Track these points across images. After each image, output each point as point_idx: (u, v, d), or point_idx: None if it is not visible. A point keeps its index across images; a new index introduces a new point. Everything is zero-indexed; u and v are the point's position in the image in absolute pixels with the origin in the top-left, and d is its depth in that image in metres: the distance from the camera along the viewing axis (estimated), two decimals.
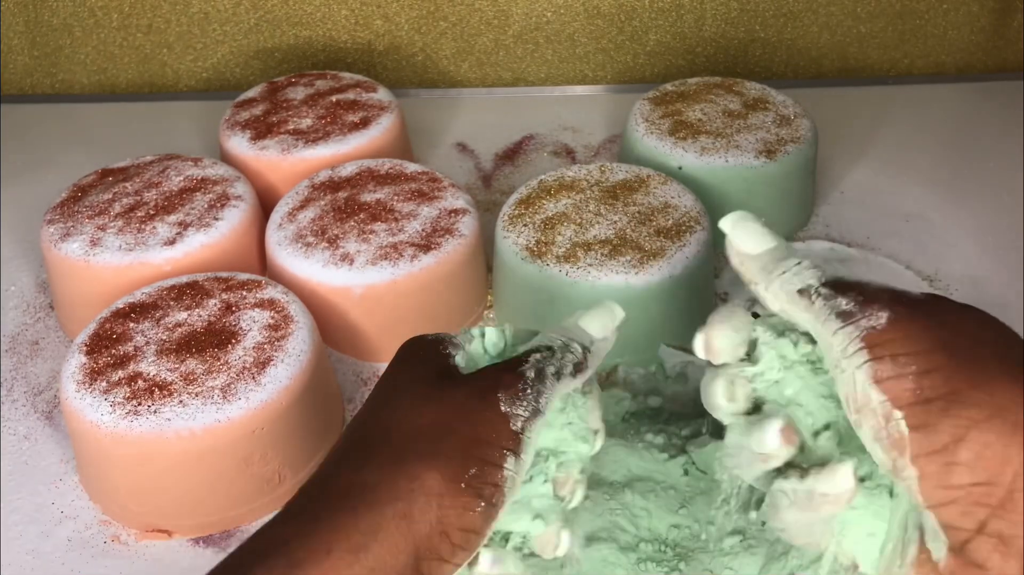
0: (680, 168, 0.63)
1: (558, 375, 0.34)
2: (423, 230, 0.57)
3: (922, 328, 0.29)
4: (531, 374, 0.34)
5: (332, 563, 0.29)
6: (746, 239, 0.35)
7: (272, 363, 0.48)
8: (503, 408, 0.32)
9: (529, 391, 0.33)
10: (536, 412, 0.33)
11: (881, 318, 0.29)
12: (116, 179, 0.63)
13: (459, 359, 0.35)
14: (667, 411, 0.52)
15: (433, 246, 0.56)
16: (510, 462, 0.32)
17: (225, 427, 0.46)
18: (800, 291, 0.32)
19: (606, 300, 0.38)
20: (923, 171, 0.74)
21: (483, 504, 0.31)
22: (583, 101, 0.86)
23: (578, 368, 0.35)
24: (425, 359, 0.35)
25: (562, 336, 0.36)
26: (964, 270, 0.63)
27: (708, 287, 0.59)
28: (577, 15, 0.86)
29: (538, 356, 0.34)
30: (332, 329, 0.57)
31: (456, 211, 0.58)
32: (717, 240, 0.62)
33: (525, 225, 0.57)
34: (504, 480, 0.32)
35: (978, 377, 0.27)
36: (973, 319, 0.30)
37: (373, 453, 0.32)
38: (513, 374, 0.33)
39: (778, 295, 0.33)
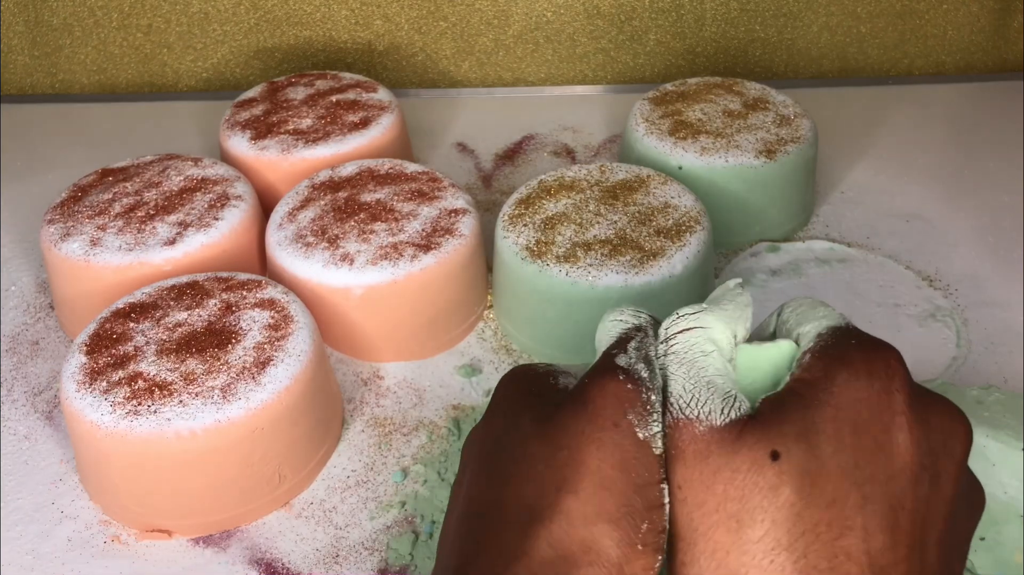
0: (680, 168, 0.63)
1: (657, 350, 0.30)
2: (423, 230, 0.57)
3: (693, 507, 0.27)
4: (645, 373, 0.28)
5: None
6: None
7: (272, 363, 0.48)
8: (640, 435, 0.27)
9: (654, 397, 0.28)
10: (662, 415, 0.28)
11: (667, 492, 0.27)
12: (116, 179, 0.63)
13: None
14: None
15: (433, 246, 0.56)
16: (665, 494, 0.27)
17: (225, 427, 0.46)
18: None
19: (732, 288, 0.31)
20: (923, 171, 0.74)
21: (661, 557, 0.27)
22: (583, 101, 0.86)
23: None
24: (534, 391, 0.31)
25: (641, 312, 0.31)
26: (964, 270, 0.63)
27: (708, 287, 0.59)
28: (577, 15, 0.86)
29: (634, 343, 0.29)
30: (332, 329, 0.57)
31: (456, 211, 0.58)
32: (717, 240, 0.62)
33: (525, 225, 0.57)
34: (668, 517, 0.27)
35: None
36: None
37: (532, 524, 0.27)
38: (630, 382, 0.28)
39: None
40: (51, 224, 0.60)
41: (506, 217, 0.58)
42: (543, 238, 0.55)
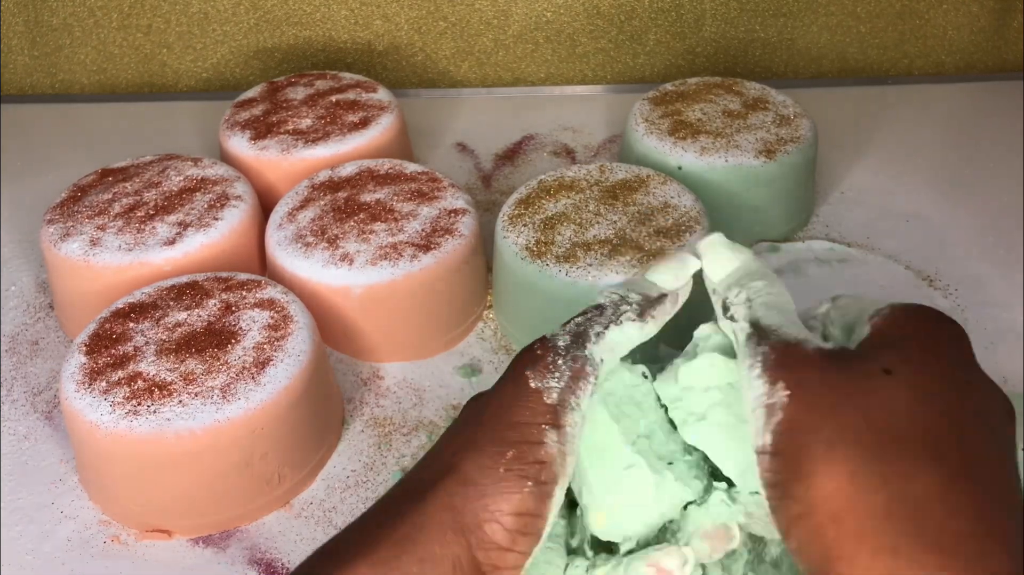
0: (680, 168, 0.63)
1: (608, 325, 0.34)
2: (423, 230, 0.57)
3: (806, 408, 0.29)
4: (562, 343, 0.33)
5: (380, 555, 0.30)
6: (714, 265, 0.36)
7: (272, 363, 0.48)
8: (533, 384, 0.32)
9: (561, 360, 0.32)
10: (578, 378, 0.32)
11: (781, 395, 0.29)
12: (116, 179, 0.63)
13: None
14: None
15: (433, 246, 0.56)
16: (551, 436, 0.31)
17: (225, 427, 0.46)
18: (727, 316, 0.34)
19: (680, 251, 0.37)
20: (923, 171, 0.74)
21: (530, 483, 0.30)
22: (583, 101, 0.86)
23: (644, 312, 0.35)
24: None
25: (620, 291, 0.35)
26: (964, 270, 0.63)
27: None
28: (577, 15, 0.86)
29: (579, 319, 0.34)
30: (332, 329, 0.57)
31: (456, 211, 0.59)
32: None
33: (525, 225, 0.57)
34: (550, 456, 0.31)
35: (803, 469, 0.28)
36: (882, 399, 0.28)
37: (431, 453, 0.33)
38: (541, 347, 0.33)
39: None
40: (51, 224, 0.60)
41: (506, 217, 0.58)
42: (543, 238, 0.55)
